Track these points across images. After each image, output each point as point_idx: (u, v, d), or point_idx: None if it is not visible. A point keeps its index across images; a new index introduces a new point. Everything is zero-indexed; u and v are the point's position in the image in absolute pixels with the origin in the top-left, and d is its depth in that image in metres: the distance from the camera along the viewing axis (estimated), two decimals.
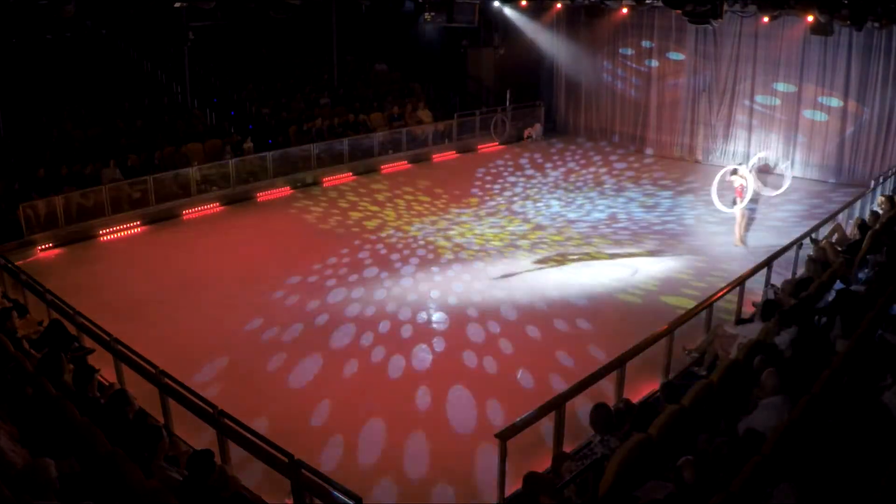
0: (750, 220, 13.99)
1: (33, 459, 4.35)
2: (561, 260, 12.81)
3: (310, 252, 13.16)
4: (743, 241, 13.33)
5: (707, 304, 8.88)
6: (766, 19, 16.17)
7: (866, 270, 8.92)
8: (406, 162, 19.37)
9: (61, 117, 16.17)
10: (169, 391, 6.84)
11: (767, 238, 13.26)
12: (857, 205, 12.71)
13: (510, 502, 6.20)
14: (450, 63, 23.08)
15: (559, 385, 8.42)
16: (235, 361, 9.31)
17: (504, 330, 10.18)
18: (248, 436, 6.05)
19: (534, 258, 12.92)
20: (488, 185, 17.53)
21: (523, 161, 19.61)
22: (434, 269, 12.41)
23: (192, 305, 11.05)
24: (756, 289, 10.04)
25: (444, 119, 20.89)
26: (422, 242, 13.67)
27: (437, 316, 10.70)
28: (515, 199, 16.44)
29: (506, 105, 21.27)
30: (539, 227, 14.46)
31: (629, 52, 20.69)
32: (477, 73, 23.25)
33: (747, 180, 13.04)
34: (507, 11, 20.94)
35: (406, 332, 10.14)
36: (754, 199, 14.23)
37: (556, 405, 6.53)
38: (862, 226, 10.45)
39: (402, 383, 8.83)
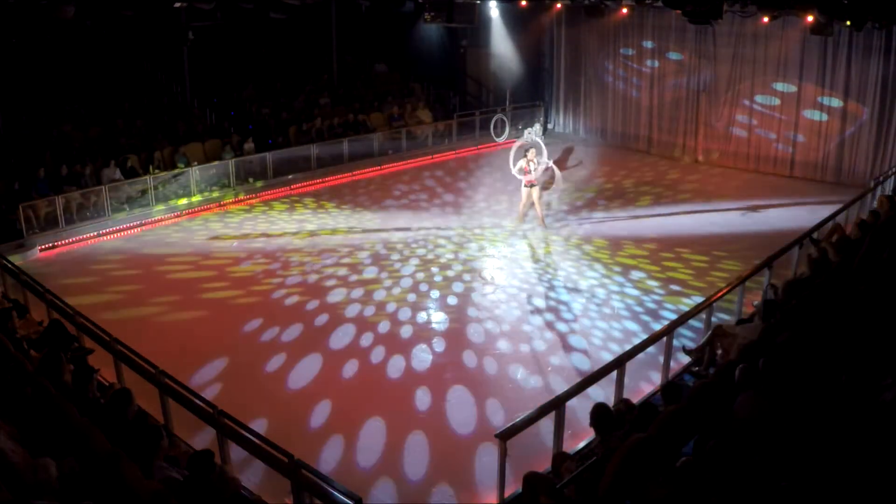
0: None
1: (33, 459, 4.35)
2: (560, 259, 12.82)
3: (309, 252, 13.18)
4: (523, 219, 14.32)
5: (707, 305, 8.88)
6: (765, 19, 16.16)
7: (866, 271, 8.90)
8: (406, 162, 19.36)
9: (61, 117, 16.16)
10: (169, 391, 6.84)
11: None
12: (857, 205, 12.71)
13: (510, 502, 6.21)
14: (450, 63, 23.07)
15: (559, 385, 8.43)
16: (235, 362, 9.31)
17: (504, 330, 10.18)
18: (248, 436, 6.04)
19: (533, 258, 12.93)
20: (488, 185, 17.51)
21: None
22: (434, 269, 12.40)
23: (191, 305, 11.05)
24: (756, 289, 10.05)
25: (444, 119, 20.90)
26: (422, 242, 13.68)
27: (437, 316, 10.70)
28: (515, 199, 16.39)
29: (506, 105, 21.27)
30: (539, 228, 14.45)
31: (629, 52, 20.69)
32: (477, 73, 23.24)
33: (536, 162, 13.83)
34: (505, 11, 20.93)
35: (406, 332, 10.14)
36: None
37: (556, 405, 6.53)
38: (862, 226, 10.44)
39: (402, 383, 8.83)
